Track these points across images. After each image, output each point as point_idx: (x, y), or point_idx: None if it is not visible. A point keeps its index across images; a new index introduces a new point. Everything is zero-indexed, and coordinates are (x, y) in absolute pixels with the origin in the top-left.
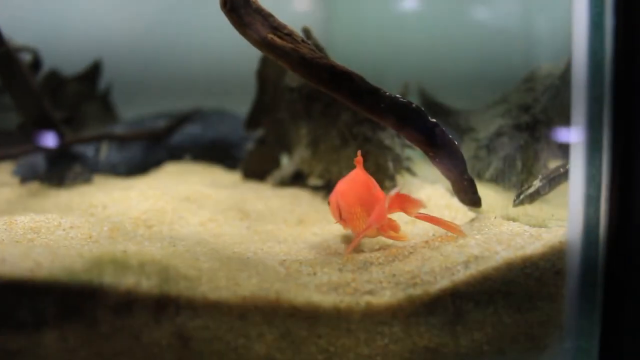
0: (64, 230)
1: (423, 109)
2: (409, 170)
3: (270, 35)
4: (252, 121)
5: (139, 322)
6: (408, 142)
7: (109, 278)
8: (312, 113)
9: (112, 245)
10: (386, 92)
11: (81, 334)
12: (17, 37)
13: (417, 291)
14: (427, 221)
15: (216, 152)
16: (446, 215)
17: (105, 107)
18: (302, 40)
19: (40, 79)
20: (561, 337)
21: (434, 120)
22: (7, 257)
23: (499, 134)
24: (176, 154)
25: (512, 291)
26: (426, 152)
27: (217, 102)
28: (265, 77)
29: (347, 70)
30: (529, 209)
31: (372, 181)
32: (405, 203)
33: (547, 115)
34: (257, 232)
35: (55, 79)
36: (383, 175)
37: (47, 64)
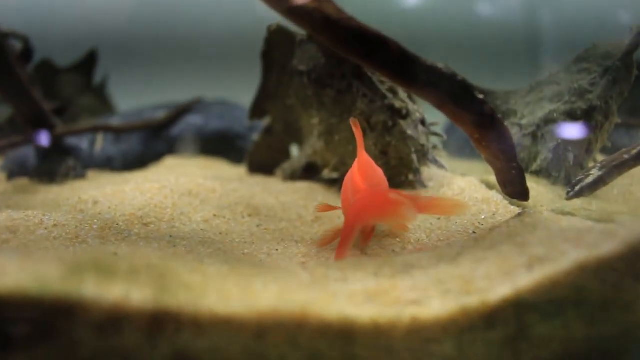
0: (46, 229)
1: (466, 79)
2: (436, 162)
3: None
4: (257, 109)
5: (129, 344)
6: (433, 130)
7: (92, 289)
8: (324, 100)
9: (101, 246)
10: (427, 62)
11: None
12: (6, 23)
13: (472, 301)
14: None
15: (220, 145)
16: (485, 210)
17: (102, 98)
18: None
19: (32, 69)
20: None
21: (483, 96)
22: None
23: (547, 120)
24: (177, 147)
25: (585, 300)
26: (471, 134)
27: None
28: (270, 59)
29: (381, 35)
30: (584, 202)
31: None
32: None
33: (606, 102)
34: (269, 231)
35: (48, 69)
36: (406, 169)
37: (40, 53)
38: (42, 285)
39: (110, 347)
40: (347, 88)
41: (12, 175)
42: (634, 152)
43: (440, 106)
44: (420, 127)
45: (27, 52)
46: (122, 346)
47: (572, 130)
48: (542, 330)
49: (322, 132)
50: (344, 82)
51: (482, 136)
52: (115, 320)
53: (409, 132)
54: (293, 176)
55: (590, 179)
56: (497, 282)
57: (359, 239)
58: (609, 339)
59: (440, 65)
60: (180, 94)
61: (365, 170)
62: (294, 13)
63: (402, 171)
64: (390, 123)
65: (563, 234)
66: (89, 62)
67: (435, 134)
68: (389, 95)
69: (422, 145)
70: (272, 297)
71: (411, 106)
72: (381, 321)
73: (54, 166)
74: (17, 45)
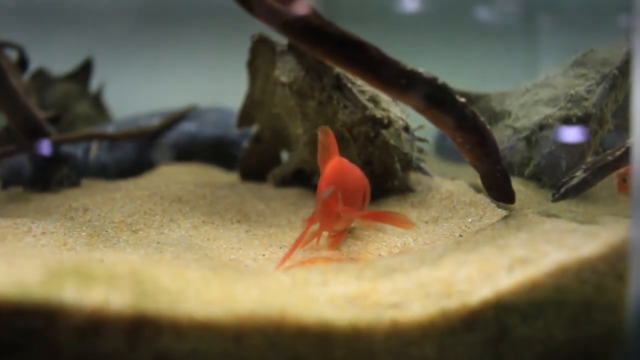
0: (34, 236)
1: (446, 83)
2: (420, 169)
3: (269, 1)
4: (245, 117)
5: (110, 349)
6: (417, 136)
7: (71, 294)
8: (306, 111)
9: (88, 253)
10: (407, 66)
11: None
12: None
13: (453, 303)
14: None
15: (214, 152)
16: (472, 214)
17: (98, 106)
18: (307, 6)
19: (28, 78)
20: (624, 356)
21: (464, 99)
22: None
23: (542, 125)
24: (172, 154)
25: (566, 301)
26: (453, 138)
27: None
28: (255, 67)
29: (361, 40)
30: (570, 204)
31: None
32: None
33: (601, 109)
34: (257, 236)
35: (43, 78)
36: (391, 177)
37: (35, 62)
38: (22, 290)
39: (90, 352)
40: (327, 100)
41: (6, 184)
42: (618, 153)
43: (422, 110)
44: (404, 135)
45: (22, 62)
46: (102, 351)
47: (566, 137)
48: (523, 332)
49: (307, 141)
50: (325, 93)
51: (465, 139)
52: (95, 325)
53: (392, 141)
54: (283, 182)
55: (574, 181)
56: (477, 284)
57: (327, 242)
58: (592, 340)
59: (421, 69)
60: (175, 101)
61: (331, 176)
62: (273, 19)
63: (387, 179)
64: (372, 133)
65: (545, 235)
66: (85, 70)
67: (421, 140)
68: (370, 106)
69: (406, 154)
70: (252, 301)
71: (393, 115)
72: (360, 324)
73: (48, 174)
74: (13, 56)
